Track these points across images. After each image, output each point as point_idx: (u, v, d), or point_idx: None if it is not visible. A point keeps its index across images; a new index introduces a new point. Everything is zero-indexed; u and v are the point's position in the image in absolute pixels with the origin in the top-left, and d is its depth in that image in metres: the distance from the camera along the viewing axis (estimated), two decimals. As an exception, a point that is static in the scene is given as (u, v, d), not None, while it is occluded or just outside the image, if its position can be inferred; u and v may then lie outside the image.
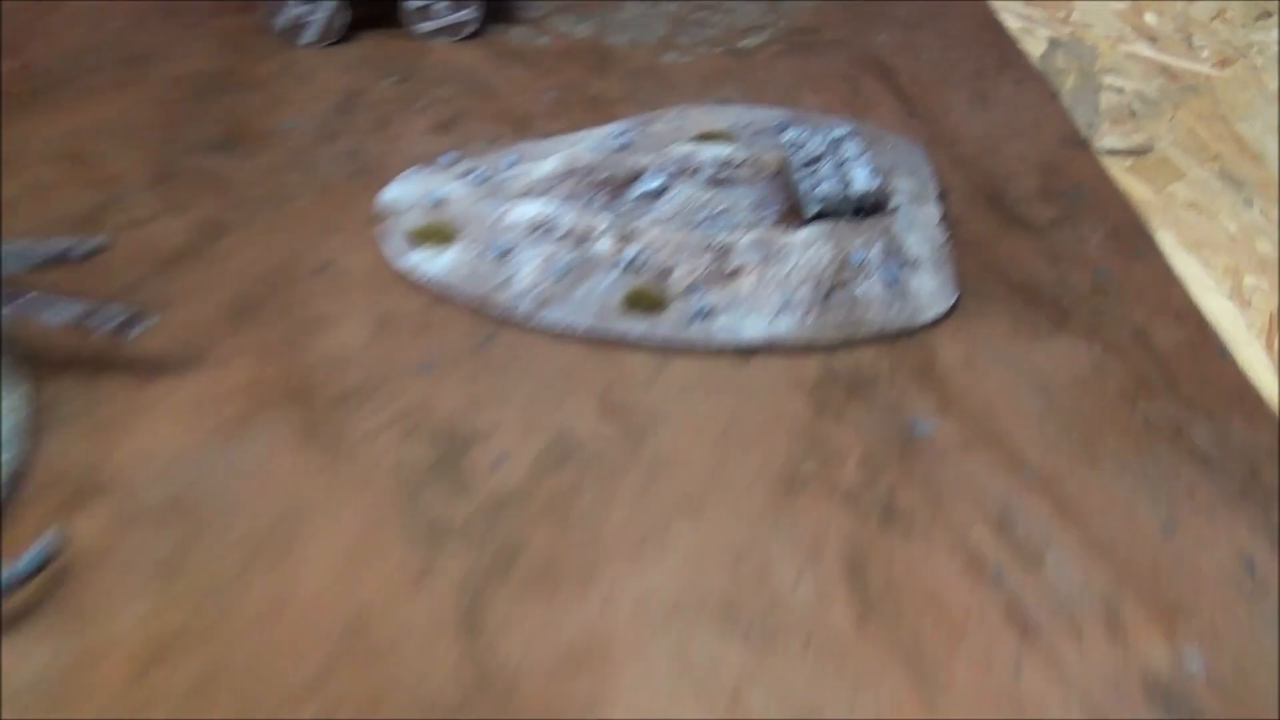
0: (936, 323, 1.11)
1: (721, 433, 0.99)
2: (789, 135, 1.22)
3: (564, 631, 0.82)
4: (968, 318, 1.12)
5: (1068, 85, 1.53)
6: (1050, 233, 1.25)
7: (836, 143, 1.21)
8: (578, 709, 0.77)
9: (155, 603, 0.81)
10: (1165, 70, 1.57)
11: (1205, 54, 1.62)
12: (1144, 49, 1.62)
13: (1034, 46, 1.63)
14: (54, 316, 0.96)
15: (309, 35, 1.52)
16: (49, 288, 0.96)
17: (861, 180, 1.15)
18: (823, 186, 1.15)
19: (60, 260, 0.98)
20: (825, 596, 0.85)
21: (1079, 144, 1.42)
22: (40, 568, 0.81)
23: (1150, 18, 1.71)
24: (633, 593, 0.85)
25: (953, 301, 1.12)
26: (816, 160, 1.18)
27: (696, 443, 0.98)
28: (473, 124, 1.39)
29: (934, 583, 0.86)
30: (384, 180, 1.26)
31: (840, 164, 1.18)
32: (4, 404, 0.94)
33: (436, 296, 1.12)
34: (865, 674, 0.79)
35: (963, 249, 1.21)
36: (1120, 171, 1.36)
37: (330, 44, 1.54)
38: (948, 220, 1.24)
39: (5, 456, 0.90)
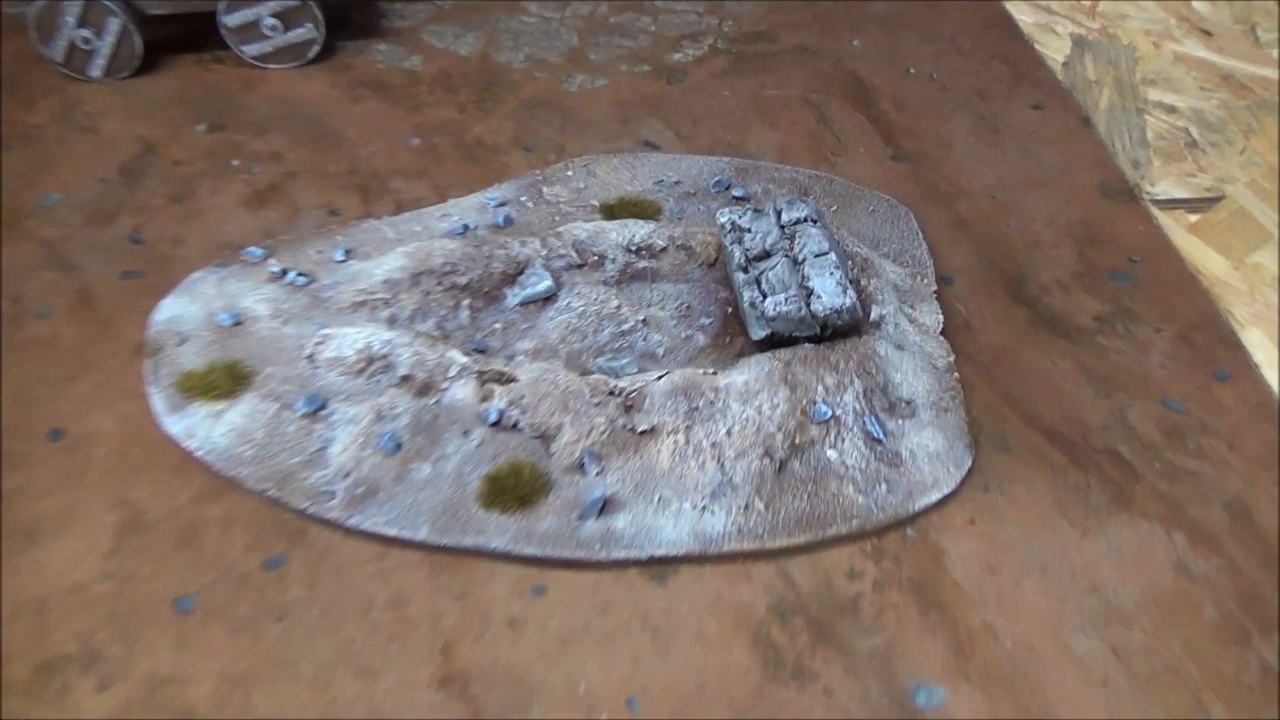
0: (942, 503, 0.76)
1: (622, 716, 0.64)
2: (726, 218, 0.86)
3: None
4: (987, 491, 0.77)
5: (1102, 104, 1.17)
6: (1097, 340, 0.90)
7: (793, 230, 0.84)
8: None
9: None
10: (1228, 79, 1.21)
11: (1277, 53, 1.26)
12: (1196, 48, 1.25)
13: (1055, 49, 1.26)
14: None
15: (97, 67, 1.14)
16: None
17: (828, 291, 0.79)
18: (774, 300, 0.79)
19: None
20: None
21: (1124, 193, 1.06)
22: None
23: (1200, 4, 1.34)
24: None
25: (965, 470, 0.77)
26: (765, 258, 0.82)
27: (582, 739, 0.63)
28: (304, 190, 1.03)
29: None
30: (170, 281, 0.90)
31: (798, 263, 0.82)
32: None
33: (215, 480, 0.77)
34: None
35: (976, 373, 0.86)
36: (1182, 233, 1.00)
37: (129, 76, 1.16)
38: (952, 327, 0.89)
39: None
